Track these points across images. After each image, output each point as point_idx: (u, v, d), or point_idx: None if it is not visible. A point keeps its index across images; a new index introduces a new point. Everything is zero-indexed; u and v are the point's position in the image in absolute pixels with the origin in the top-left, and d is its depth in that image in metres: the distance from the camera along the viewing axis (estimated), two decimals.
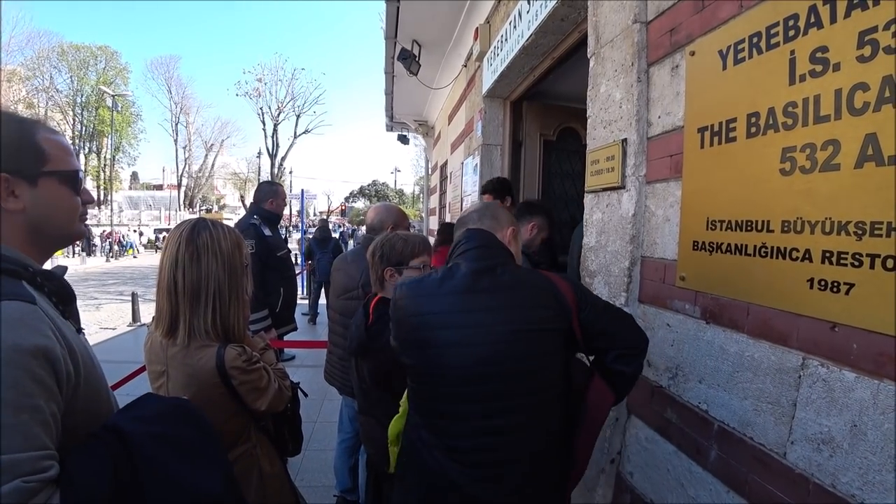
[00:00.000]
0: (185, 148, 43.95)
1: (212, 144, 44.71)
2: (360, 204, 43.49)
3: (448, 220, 6.00)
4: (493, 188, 3.00)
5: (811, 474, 1.14)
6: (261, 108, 37.21)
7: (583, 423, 1.31)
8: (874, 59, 1.02)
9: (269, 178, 36.07)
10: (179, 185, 43.94)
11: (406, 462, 1.37)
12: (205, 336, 1.25)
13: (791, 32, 1.21)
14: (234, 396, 1.26)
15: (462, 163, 5.44)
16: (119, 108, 34.02)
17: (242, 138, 73.90)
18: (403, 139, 11.03)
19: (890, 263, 0.97)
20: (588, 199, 2.20)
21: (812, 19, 1.16)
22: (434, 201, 8.95)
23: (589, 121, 2.18)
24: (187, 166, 44.05)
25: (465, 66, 5.30)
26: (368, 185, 48.02)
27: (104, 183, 36.58)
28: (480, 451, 1.23)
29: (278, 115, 37.21)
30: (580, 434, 1.32)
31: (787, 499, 1.19)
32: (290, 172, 42.05)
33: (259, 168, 42.13)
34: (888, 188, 0.98)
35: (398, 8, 4.60)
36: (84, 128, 37.17)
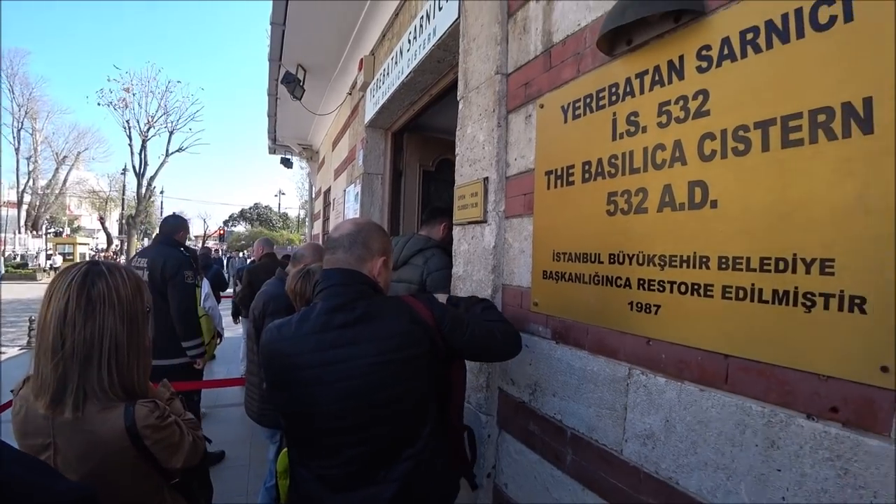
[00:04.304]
0: (29, 159, 36.61)
1: (65, 157, 37.33)
2: (241, 228, 40.74)
3: None
4: (427, 219, 2.92)
5: (641, 465, 1.32)
6: (127, 121, 33.08)
7: (453, 401, 1.48)
8: (668, 126, 1.27)
9: (136, 198, 32.48)
10: (20, 203, 36.10)
11: (292, 496, 1.38)
12: (103, 398, 1.09)
13: (613, 98, 1.45)
14: (146, 458, 1.13)
15: (345, 190, 5.43)
16: None
17: (104, 152, 64.75)
18: (287, 163, 10.67)
19: (683, 288, 1.21)
20: (456, 231, 2.33)
21: (628, 88, 1.41)
22: (318, 227, 8.77)
23: (457, 158, 2.33)
24: (32, 181, 37.27)
25: (350, 94, 5.34)
26: (250, 209, 45.43)
27: None
28: (351, 478, 1.27)
29: (148, 129, 33.47)
30: (452, 409, 1.49)
31: (626, 488, 1.36)
32: (162, 193, 38.32)
33: (124, 187, 36.93)
34: (680, 228, 1.22)
35: (283, 31, 4.52)
36: None
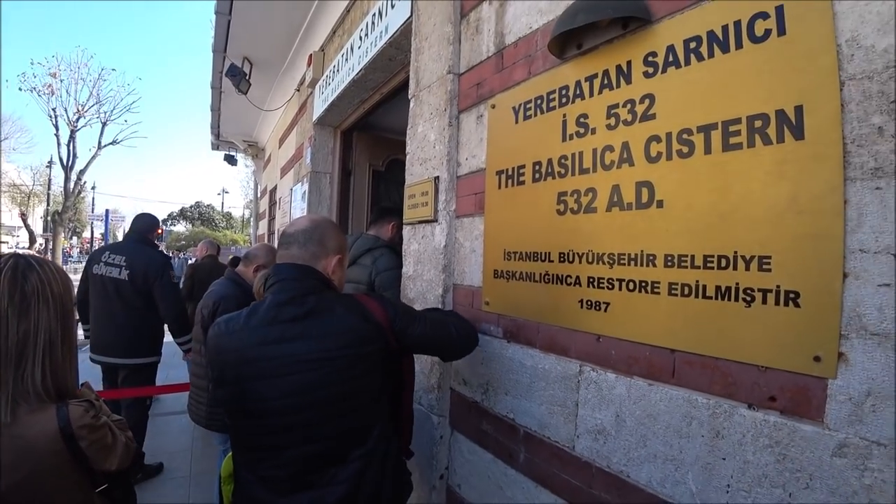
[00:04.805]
0: None
1: None
2: (181, 227, 38.79)
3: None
4: (376, 219, 2.88)
5: (593, 460, 1.35)
6: (54, 109, 30.50)
7: (405, 387, 1.48)
8: (617, 128, 1.31)
9: (63, 193, 30.20)
10: None
11: (237, 500, 1.33)
12: (34, 399, 1.03)
13: (564, 99, 1.48)
14: (79, 462, 1.07)
15: (291, 189, 5.29)
16: None
17: (27, 142, 59.64)
18: (231, 159, 10.25)
19: (631, 286, 1.24)
20: (406, 231, 2.31)
21: (578, 91, 1.44)
22: (263, 227, 8.49)
23: (407, 157, 2.31)
24: None
25: (298, 90, 5.20)
26: (191, 207, 43.30)
27: None
28: (296, 479, 1.23)
29: (77, 119, 31.01)
30: (405, 396, 1.49)
31: (579, 484, 1.39)
32: (93, 188, 35.90)
33: (49, 180, 34.06)
34: (629, 227, 1.26)
35: (229, 21, 4.33)
36: None
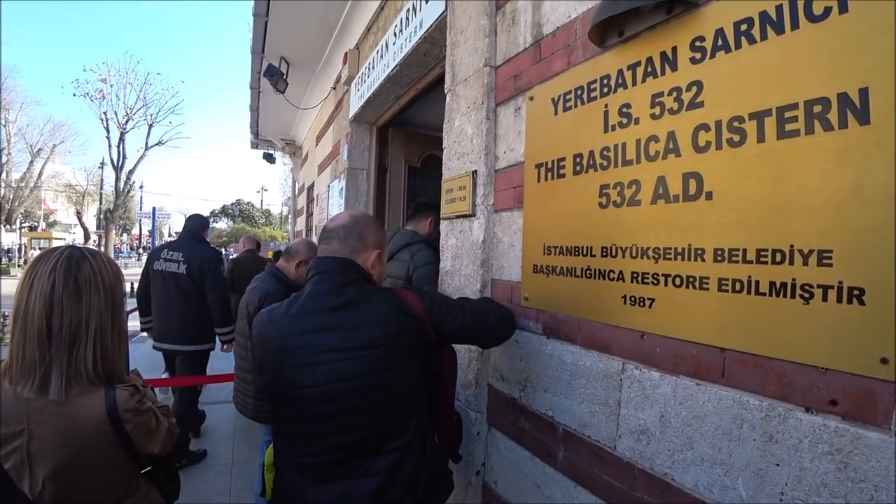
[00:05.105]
0: (1, 151, 35.81)
1: (40, 149, 35.86)
2: (223, 224, 40.02)
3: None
4: (413, 214, 2.91)
5: (635, 461, 1.31)
6: (105, 113, 32.13)
7: (445, 388, 1.47)
8: (662, 118, 1.26)
9: (114, 192, 31.74)
10: None
11: (277, 488, 1.37)
12: (85, 382, 1.11)
13: (605, 89, 1.44)
14: (123, 443, 1.14)
15: (328, 185, 5.37)
16: None
17: (81, 145, 62.90)
18: (270, 158, 10.53)
19: (678, 281, 1.20)
20: (444, 226, 2.30)
21: (620, 80, 1.39)
22: (301, 223, 8.67)
23: (444, 152, 2.30)
24: (4, 174, 35.88)
25: (334, 88, 5.27)
26: (232, 205, 44.58)
27: None
28: (331, 467, 1.24)
29: (126, 122, 32.55)
30: (444, 396, 1.47)
31: (620, 485, 1.35)
32: (141, 188, 37.47)
33: (102, 181, 36.01)
34: (675, 220, 1.21)
35: (266, 23, 4.43)
36: None
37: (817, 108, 0.94)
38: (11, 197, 35.41)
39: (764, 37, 1.04)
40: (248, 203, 45.47)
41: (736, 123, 1.08)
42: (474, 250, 2.04)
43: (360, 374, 1.23)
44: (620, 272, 1.36)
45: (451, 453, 1.63)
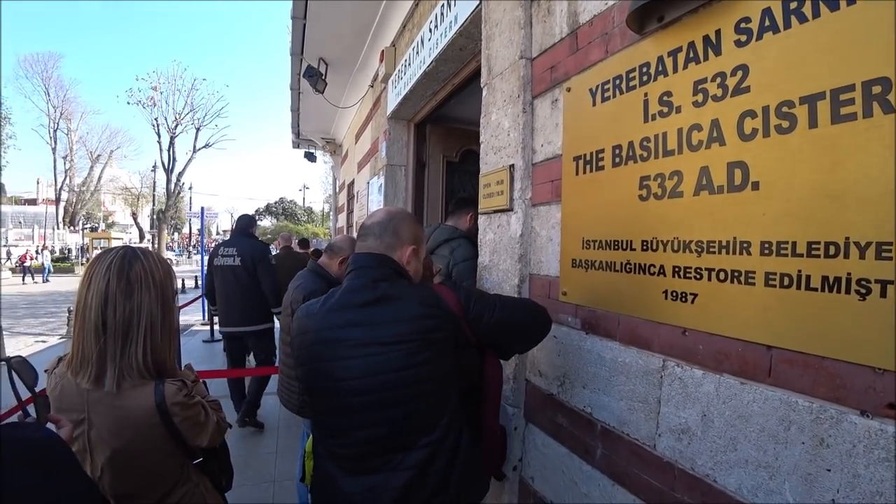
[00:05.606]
0: (65, 158, 37.74)
1: (98, 155, 38.86)
2: (267, 222, 41.27)
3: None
4: (454, 210, 2.90)
5: (676, 461, 1.27)
6: (156, 119, 33.98)
7: (488, 399, 1.45)
8: (705, 105, 1.21)
9: (166, 193, 33.40)
10: (58, 200, 37.77)
11: (314, 476, 1.40)
12: (136, 375, 1.16)
13: (644, 78, 1.39)
14: (172, 435, 1.19)
15: (368, 182, 5.45)
16: None
17: (135, 150, 66.58)
18: (311, 157, 10.77)
19: (722, 276, 1.15)
20: (481, 221, 2.29)
21: (660, 67, 1.34)
22: (342, 220, 8.83)
23: (481, 146, 2.29)
24: (68, 179, 38.36)
25: (372, 86, 5.33)
26: (276, 203, 45.88)
27: None
28: (362, 460, 1.27)
29: (175, 126, 34.26)
30: (487, 408, 1.46)
31: (659, 485, 1.32)
32: (190, 189, 39.16)
33: (154, 183, 38.18)
34: (719, 212, 1.16)
35: (304, 25, 4.55)
36: None
37: (876, 89, 0.87)
38: (75, 200, 37.96)
39: (816, 14, 0.97)
40: (290, 201, 46.73)
41: (785, 108, 1.02)
42: (512, 245, 2.02)
43: (392, 369, 1.23)
44: (661, 266, 1.31)
45: (493, 469, 1.61)
